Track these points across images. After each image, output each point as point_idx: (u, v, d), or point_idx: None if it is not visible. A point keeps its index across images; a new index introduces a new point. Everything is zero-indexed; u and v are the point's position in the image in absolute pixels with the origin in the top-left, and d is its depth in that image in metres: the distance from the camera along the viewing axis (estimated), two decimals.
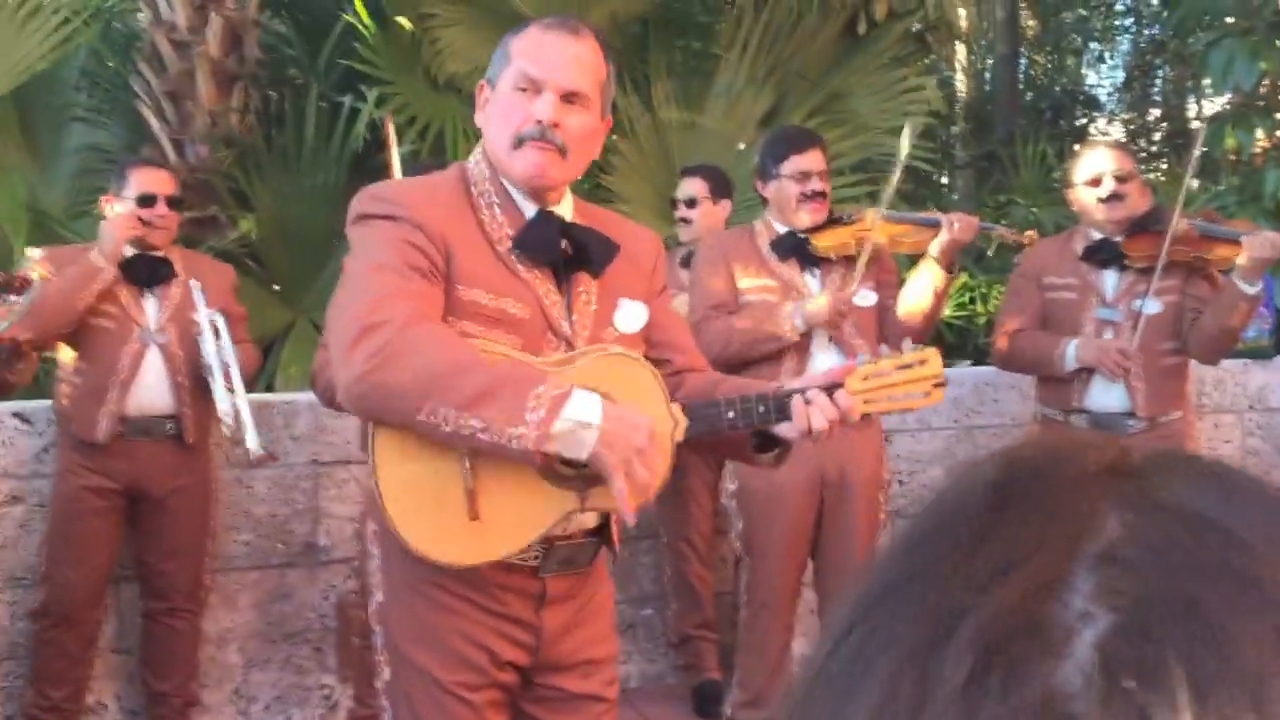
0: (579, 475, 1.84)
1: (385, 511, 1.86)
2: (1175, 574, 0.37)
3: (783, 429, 1.93)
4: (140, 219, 3.52)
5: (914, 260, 3.46)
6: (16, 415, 3.71)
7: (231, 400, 3.41)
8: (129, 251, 3.54)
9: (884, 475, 3.49)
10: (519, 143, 1.87)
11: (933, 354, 1.98)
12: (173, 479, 3.56)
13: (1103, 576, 0.37)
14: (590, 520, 1.98)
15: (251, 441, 3.35)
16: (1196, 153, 3.72)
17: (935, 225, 3.29)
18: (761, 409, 1.90)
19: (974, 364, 5.62)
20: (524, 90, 1.87)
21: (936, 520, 0.42)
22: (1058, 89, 12.09)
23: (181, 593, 3.64)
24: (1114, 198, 3.50)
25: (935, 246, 3.26)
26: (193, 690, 3.75)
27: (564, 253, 1.94)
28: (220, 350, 3.48)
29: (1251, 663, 0.35)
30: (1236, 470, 0.42)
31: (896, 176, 3.40)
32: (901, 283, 3.41)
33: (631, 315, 2.00)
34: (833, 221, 3.39)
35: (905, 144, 3.33)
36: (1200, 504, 0.39)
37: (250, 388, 3.72)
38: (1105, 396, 3.51)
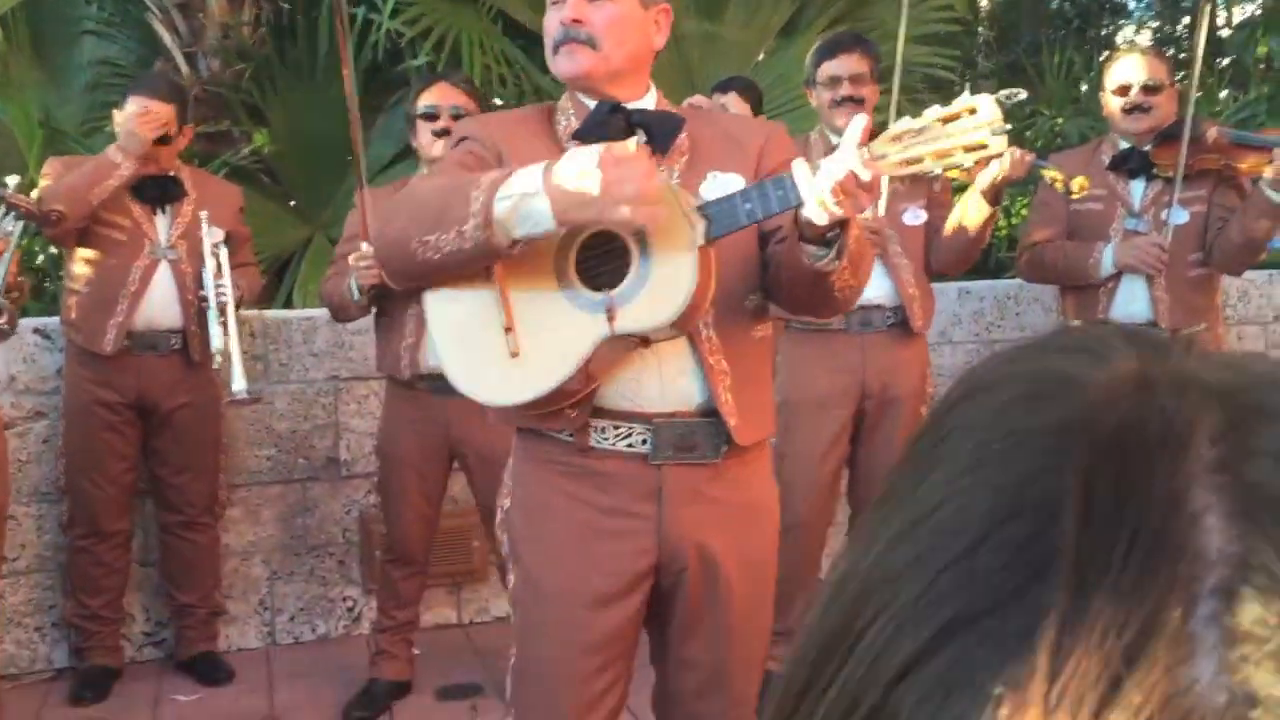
0: (604, 297, 1.81)
1: (442, 362, 1.94)
2: None
3: (805, 211, 1.73)
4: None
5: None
6: (37, 331, 3.72)
7: (224, 339, 3.42)
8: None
9: (928, 389, 3.48)
10: (555, 48, 1.95)
11: (986, 100, 1.66)
12: (179, 394, 3.58)
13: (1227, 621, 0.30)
14: (694, 394, 1.90)
15: (238, 384, 3.38)
16: (1201, 34, 3.61)
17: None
18: (778, 191, 1.75)
19: (995, 278, 5.57)
20: (555, 2, 1.95)
21: (1011, 506, 0.33)
22: None
23: (196, 506, 3.68)
24: (1137, 109, 3.43)
25: (984, 179, 3.18)
26: (217, 601, 3.82)
27: (641, 139, 1.94)
28: (218, 286, 3.48)
29: None
30: None
31: (895, 89, 3.33)
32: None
33: (718, 185, 1.93)
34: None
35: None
36: None
37: (260, 305, 3.72)
38: (1130, 307, 3.47)
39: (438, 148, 3.28)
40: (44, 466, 3.76)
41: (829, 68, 3.29)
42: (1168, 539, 0.31)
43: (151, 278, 3.52)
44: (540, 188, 1.68)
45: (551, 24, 1.95)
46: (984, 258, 6.33)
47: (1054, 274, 3.60)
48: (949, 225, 3.30)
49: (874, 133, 1.73)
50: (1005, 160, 3.13)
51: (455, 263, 1.79)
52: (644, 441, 1.90)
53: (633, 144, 1.70)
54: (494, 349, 1.87)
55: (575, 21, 1.91)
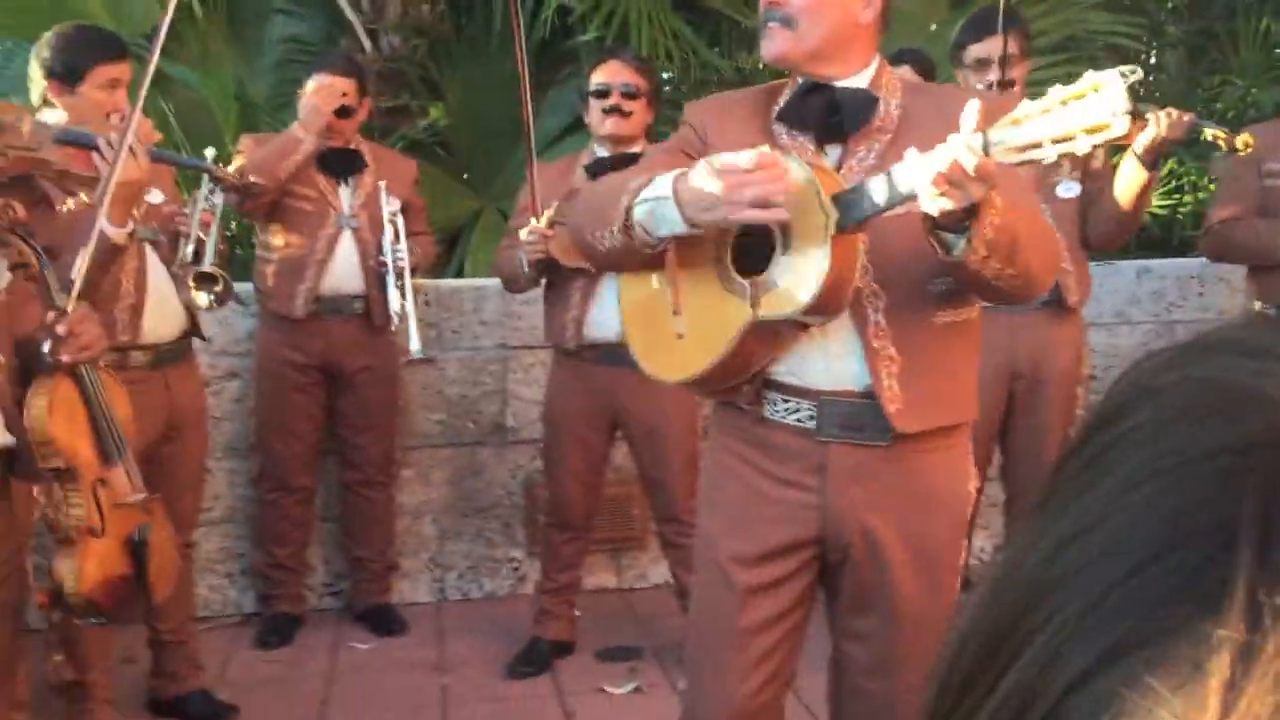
0: (751, 282, 1.88)
1: (625, 336, 2.12)
2: None
3: (921, 201, 1.68)
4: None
5: (1120, 150, 3.30)
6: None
7: (401, 302, 3.59)
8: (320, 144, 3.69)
9: (1083, 370, 3.39)
10: (761, 29, 1.99)
11: (1111, 79, 1.53)
12: (361, 357, 3.76)
13: None
14: (858, 376, 1.92)
15: (414, 344, 3.57)
16: None
17: (1141, 117, 3.10)
18: (900, 177, 1.72)
19: (1179, 257, 5.34)
20: None
21: (1183, 528, 0.32)
22: None
23: (374, 465, 3.86)
24: None
25: (1141, 141, 3.07)
26: (391, 557, 4.00)
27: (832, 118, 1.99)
28: (396, 252, 3.64)
29: None
30: None
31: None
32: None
33: (912, 162, 1.92)
34: None
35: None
36: None
37: (432, 275, 3.85)
38: None
39: (608, 125, 3.34)
40: (236, 424, 3.99)
41: (976, 50, 3.20)
42: None
43: (336, 246, 3.70)
44: (669, 194, 1.83)
45: (761, 8, 1.99)
46: (1166, 234, 6.08)
47: (1242, 253, 3.43)
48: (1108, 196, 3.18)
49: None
50: (1162, 121, 3.00)
51: (618, 255, 1.96)
52: (810, 417, 1.94)
53: (749, 156, 1.75)
54: (665, 329, 2.00)
55: (773, 3, 1.95)
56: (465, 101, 5.69)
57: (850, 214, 1.77)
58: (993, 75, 3.17)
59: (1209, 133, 3.13)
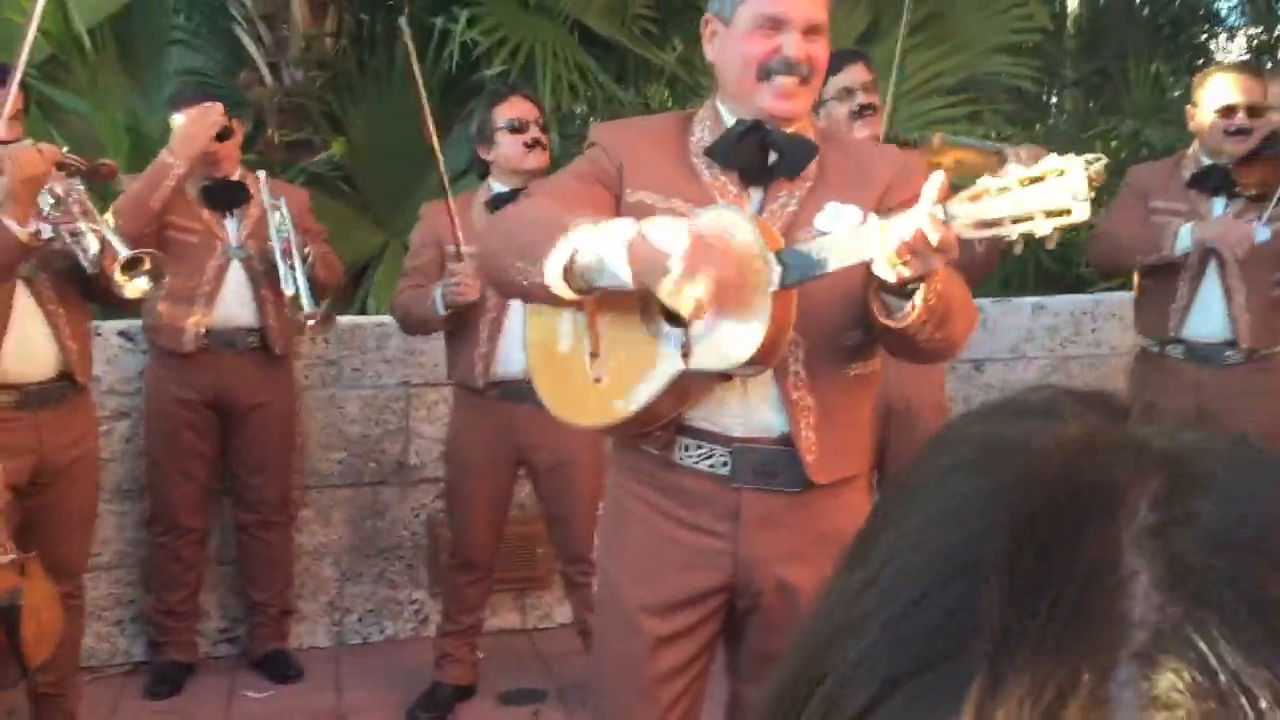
0: (681, 333, 1.83)
1: (535, 385, 2.02)
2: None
3: (875, 267, 1.70)
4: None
5: None
6: (122, 334, 3.84)
7: (294, 276, 3.53)
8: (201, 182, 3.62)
9: (944, 402, 3.45)
10: (766, 75, 1.92)
11: (1074, 164, 1.55)
12: (256, 392, 3.67)
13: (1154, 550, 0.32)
14: (775, 424, 1.91)
15: (308, 305, 3.50)
16: None
17: (999, 153, 3.17)
18: (854, 243, 1.73)
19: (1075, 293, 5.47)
20: (766, 29, 1.92)
21: (946, 568, 0.34)
22: (1176, 3, 11.54)
23: (270, 505, 3.77)
24: (1241, 131, 3.34)
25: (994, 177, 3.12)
26: (288, 600, 3.90)
27: (773, 160, 1.98)
28: (281, 232, 3.59)
29: None
30: None
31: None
32: None
33: (834, 215, 1.91)
34: (903, 144, 3.31)
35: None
36: (1242, 563, 0.32)
37: (338, 301, 3.79)
38: (1205, 325, 3.40)
39: (531, 159, 3.34)
40: (126, 465, 3.87)
41: (837, 81, 3.26)
42: (1092, 603, 0.31)
43: (225, 276, 3.62)
44: (624, 255, 1.71)
45: (761, 51, 1.91)
46: (1064, 270, 6.23)
47: (1125, 249, 3.48)
48: None
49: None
50: (1023, 157, 3.05)
51: (537, 291, 1.85)
52: (724, 463, 1.93)
53: (745, 222, 1.76)
54: (579, 372, 1.94)
55: (801, 60, 1.91)
56: (368, 135, 5.63)
57: (794, 273, 1.77)
58: (861, 99, 3.24)
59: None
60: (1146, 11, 10.98)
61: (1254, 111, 3.35)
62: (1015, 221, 1.58)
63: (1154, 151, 6.51)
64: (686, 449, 1.94)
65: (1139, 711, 0.30)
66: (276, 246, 3.58)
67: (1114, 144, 6.95)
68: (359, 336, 4.09)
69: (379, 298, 5.28)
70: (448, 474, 3.57)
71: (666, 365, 1.84)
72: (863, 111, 3.25)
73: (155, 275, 2.97)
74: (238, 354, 3.65)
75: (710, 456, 1.93)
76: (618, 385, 1.89)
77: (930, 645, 0.32)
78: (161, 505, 3.72)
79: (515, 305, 3.27)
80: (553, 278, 1.78)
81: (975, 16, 6.18)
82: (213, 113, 3.53)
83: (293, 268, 3.56)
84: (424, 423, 4.10)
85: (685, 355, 1.82)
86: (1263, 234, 3.32)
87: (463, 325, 3.35)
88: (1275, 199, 3.28)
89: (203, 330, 3.59)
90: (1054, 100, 10.58)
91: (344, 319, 4.27)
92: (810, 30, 1.93)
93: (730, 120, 1.99)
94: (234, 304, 3.64)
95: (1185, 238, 3.32)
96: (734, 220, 1.81)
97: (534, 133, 3.37)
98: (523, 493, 3.71)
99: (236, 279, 3.64)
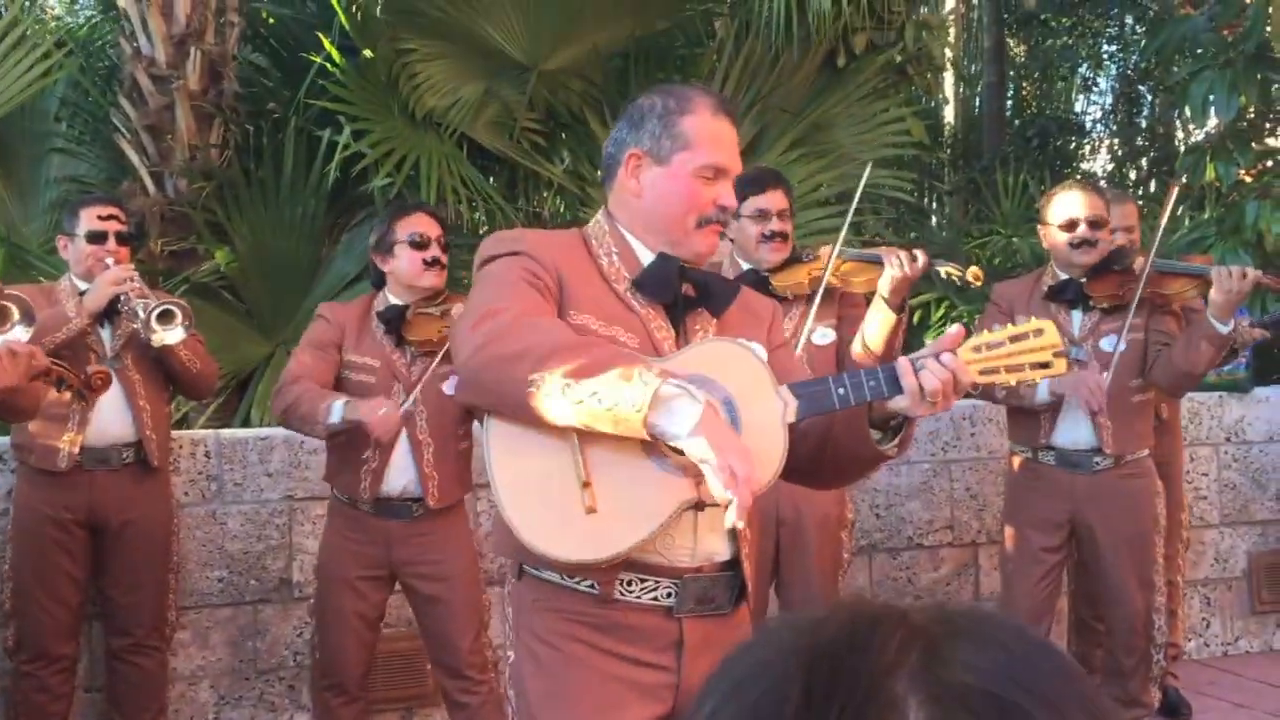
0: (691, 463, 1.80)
1: (505, 513, 1.85)
2: None
3: (896, 403, 1.86)
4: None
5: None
6: None
7: (144, 312, 3.43)
8: (82, 285, 3.58)
9: (846, 515, 3.48)
10: (703, 223, 2.00)
11: (1048, 325, 1.90)
12: (130, 509, 3.56)
13: None
14: (721, 550, 1.94)
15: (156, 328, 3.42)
16: (1172, 196, 3.71)
17: (879, 261, 3.28)
18: (871, 382, 1.86)
19: None
20: (708, 178, 2.00)
21: (754, 714, 0.44)
22: (1045, 115, 12.13)
23: (145, 627, 3.63)
24: (1085, 243, 3.50)
25: (884, 285, 3.23)
26: None
27: (684, 295, 2.03)
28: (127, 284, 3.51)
29: None
30: (1008, 627, 0.46)
31: (850, 214, 3.41)
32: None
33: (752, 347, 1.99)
34: (792, 260, 3.40)
35: (862, 183, 3.34)
36: (990, 680, 0.43)
37: (217, 423, 3.71)
38: (1073, 433, 3.52)
39: (429, 277, 3.33)
40: None
41: (757, 202, 3.34)
42: (869, 711, 0.41)
43: None
44: (702, 400, 1.71)
45: (702, 199, 1.99)
46: None
47: (996, 396, 3.63)
48: (857, 342, 3.31)
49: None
50: (903, 262, 3.18)
51: (584, 420, 1.75)
52: (669, 595, 1.92)
53: (751, 356, 1.89)
54: (568, 502, 1.83)
55: (727, 208, 2.02)
56: (254, 245, 5.58)
57: (812, 405, 1.87)
58: (774, 226, 3.31)
59: (944, 270, 3.35)
60: (1017, 124, 11.53)
61: (1095, 225, 3.51)
62: (1009, 371, 1.87)
63: (1024, 260, 6.79)
64: (629, 584, 1.90)
65: None
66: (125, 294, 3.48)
67: (987, 252, 7.22)
68: (240, 450, 4.01)
69: (263, 408, 5.19)
70: (318, 589, 3.45)
71: (674, 494, 1.83)
72: (773, 237, 3.32)
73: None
74: (112, 470, 3.55)
75: (655, 589, 1.91)
76: (619, 515, 1.83)
77: None
78: (28, 632, 3.55)
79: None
80: (630, 403, 1.71)
81: (853, 130, 6.43)
82: (127, 272, 3.51)
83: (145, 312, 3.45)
84: (308, 537, 4.01)
85: (697, 484, 1.80)
86: (1119, 345, 3.47)
87: (353, 438, 3.27)
88: (1131, 311, 3.43)
89: (76, 448, 3.48)
90: (934, 207, 10.99)
91: (224, 432, 4.19)
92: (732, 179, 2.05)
93: (645, 253, 2.03)
94: (110, 418, 3.54)
95: (1043, 391, 3.47)
96: (741, 353, 1.91)
97: (434, 250, 3.35)
98: (408, 608, 3.64)
99: (112, 392, 3.54)
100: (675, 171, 2.00)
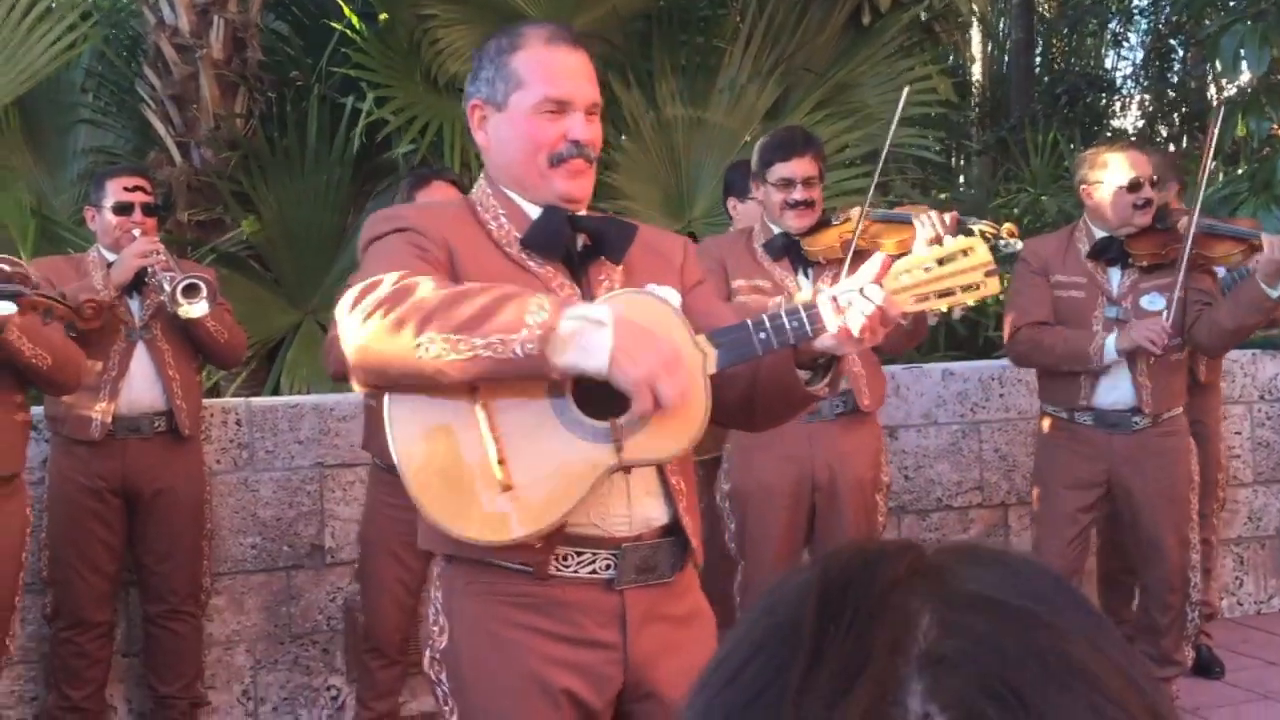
0: (612, 425, 1.72)
1: (414, 497, 1.73)
2: (994, 665, 0.43)
3: (822, 342, 1.76)
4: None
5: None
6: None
7: (167, 277, 3.45)
8: (110, 256, 3.61)
9: (882, 477, 3.46)
10: (556, 161, 1.86)
11: (976, 242, 1.76)
12: (163, 477, 3.60)
13: (932, 677, 0.43)
14: (659, 514, 1.85)
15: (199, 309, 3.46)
16: (1212, 140, 3.66)
17: (909, 222, 3.24)
18: (794, 323, 1.74)
19: (984, 358, 5.59)
20: (549, 113, 1.86)
21: (774, 635, 0.46)
22: (1075, 72, 11.97)
23: (179, 594, 3.67)
24: (1149, 203, 3.47)
25: (918, 246, 3.21)
26: (198, 692, 3.79)
27: (581, 245, 1.91)
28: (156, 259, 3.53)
29: None
30: (1013, 554, 0.49)
31: (878, 172, 3.34)
32: None
33: (661, 295, 1.87)
34: (822, 224, 3.37)
35: (889, 136, 3.28)
36: (999, 591, 0.46)
37: (247, 391, 3.73)
38: (1112, 394, 3.49)
39: None
40: (28, 557, 3.74)
41: (782, 169, 3.29)
42: (881, 621, 0.44)
43: (130, 360, 3.56)
44: (608, 321, 1.62)
45: (548, 135, 1.85)
46: (972, 336, 6.37)
47: (1051, 357, 3.55)
48: None
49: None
50: (934, 222, 3.14)
51: (480, 376, 1.65)
52: (607, 567, 1.81)
53: (663, 305, 1.78)
54: (482, 481, 1.72)
55: (588, 142, 1.87)
56: (280, 214, 5.60)
57: (733, 354, 1.76)
58: (798, 195, 3.27)
59: (977, 229, 3.30)
60: (1046, 81, 11.39)
61: (1154, 185, 3.49)
62: (940, 295, 1.76)
63: (1048, 218, 6.73)
64: (565, 559, 1.80)
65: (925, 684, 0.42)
66: (155, 269, 3.50)
67: (1016, 211, 7.15)
68: (271, 418, 4.03)
69: (293, 376, 5.22)
70: (361, 555, 3.52)
71: (595, 461, 1.72)
72: (795, 206, 3.27)
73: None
74: (144, 439, 3.58)
75: (593, 562, 1.81)
76: (541, 488, 1.72)
77: (749, 711, 0.44)
78: (65, 599, 3.60)
79: None
80: (524, 346, 1.60)
81: (879, 90, 6.36)
82: (152, 245, 3.53)
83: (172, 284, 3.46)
84: (340, 504, 4.04)
85: (619, 449, 1.71)
86: (1157, 302, 3.43)
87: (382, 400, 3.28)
88: (1181, 272, 3.37)
89: (109, 418, 3.52)
90: (962, 169, 10.88)
91: (255, 400, 4.22)
92: (590, 110, 1.88)
93: (533, 209, 1.90)
94: (140, 387, 3.57)
95: (1111, 351, 3.42)
96: (649, 304, 1.76)
97: None
98: None
99: (142, 361, 3.58)
100: (513, 114, 1.87)
